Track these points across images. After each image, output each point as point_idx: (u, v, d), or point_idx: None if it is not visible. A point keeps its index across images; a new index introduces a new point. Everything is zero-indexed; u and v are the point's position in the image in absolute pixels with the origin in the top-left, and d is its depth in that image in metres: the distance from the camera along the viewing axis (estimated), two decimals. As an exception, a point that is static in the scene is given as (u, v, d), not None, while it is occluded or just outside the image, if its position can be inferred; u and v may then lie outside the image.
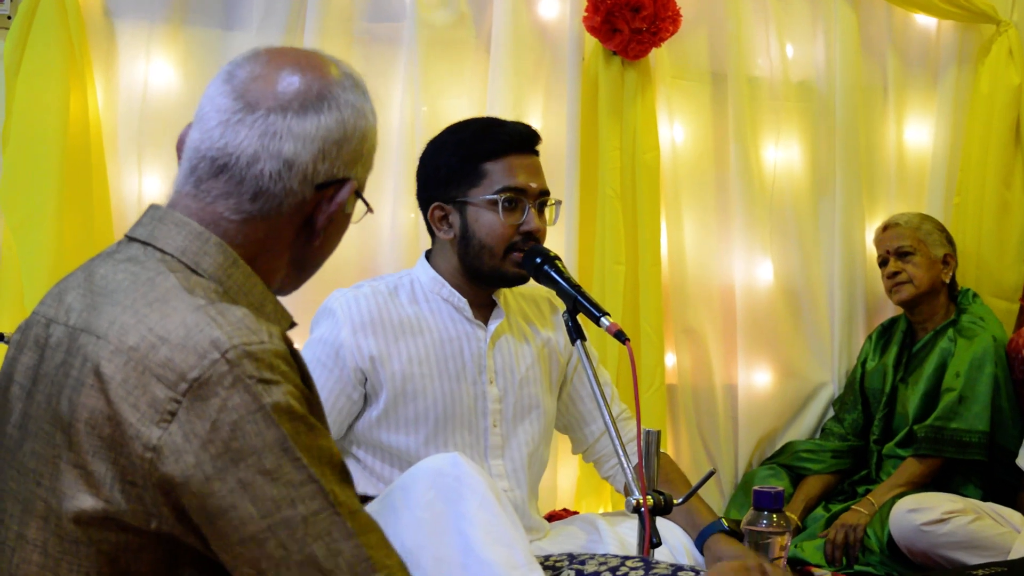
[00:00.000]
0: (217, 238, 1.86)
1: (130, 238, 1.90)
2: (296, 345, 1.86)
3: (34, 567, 1.74)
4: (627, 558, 2.59)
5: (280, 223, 1.90)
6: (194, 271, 1.82)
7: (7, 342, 1.97)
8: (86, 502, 1.69)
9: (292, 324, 1.98)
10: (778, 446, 5.06)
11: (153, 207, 1.91)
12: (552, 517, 3.85)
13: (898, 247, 4.77)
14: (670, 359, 4.89)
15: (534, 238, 3.16)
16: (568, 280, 3.04)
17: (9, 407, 1.86)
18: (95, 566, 1.71)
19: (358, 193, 1.98)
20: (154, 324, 1.71)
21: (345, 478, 1.74)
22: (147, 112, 4.28)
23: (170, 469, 1.65)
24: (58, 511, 1.71)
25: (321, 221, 1.92)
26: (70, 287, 1.86)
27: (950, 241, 4.86)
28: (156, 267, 1.81)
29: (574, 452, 3.63)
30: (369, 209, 2.04)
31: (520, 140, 3.23)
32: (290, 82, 1.88)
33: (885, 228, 4.87)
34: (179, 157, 1.94)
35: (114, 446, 1.68)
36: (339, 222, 1.98)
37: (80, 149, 4.15)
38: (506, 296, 3.37)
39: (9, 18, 4.15)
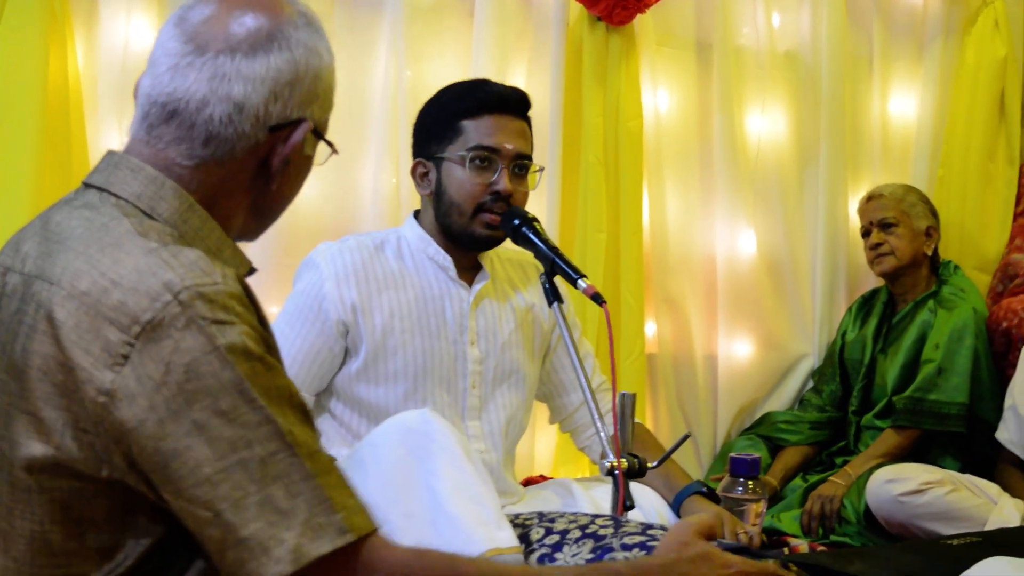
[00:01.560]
0: (173, 183, 1.85)
1: (87, 184, 1.89)
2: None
3: None
4: (597, 516, 2.62)
5: (234, 167, 1.89)
6: (149, 216, 1.82)
7: None
8: (37, 449, 1.69)
9: (252, 270, 1.98)
10: (757, 417, 5.09)
11: (110, 153, 1.91)
12: (529, 482, 3.87)
13: (881, 218, 4.79)
14: (650, 328, 4.90)
15: (504, 200, 3.18)
16: (546, 242, 3.08)
17: None
18: (48, 514, 1.72)
19: (319, 134, 1.98)
20: (106, 268, 1.70)
21: (305, 418, 1.73)
22: (127, 72, 4.22)
23: (123, 413, 1.64)
24: (10, 459, 1.72)
25: (276, 164, 1.91)
26: (27, 236, 1.86)
27: (934, 213, 4.87)
28: (111, 212, 1.80)
29: (551, 421, 3.67)
30: (333, 150, 2.03)
31: (501, 101, 3.25)
32: (240, 23, 1.86)
33: (869, 199, 4.89)
34: (135, 104, 1.93)
35: (66, 392, 1.67)
36: (297, 164, 1.96)
37: (59, 109, 4.13)
38: (493, 260, 3.40)
39: (-15, -22, 4.14)
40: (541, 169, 3.35)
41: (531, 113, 3.35)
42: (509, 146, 3.21)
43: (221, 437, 1.64)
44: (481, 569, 1.83)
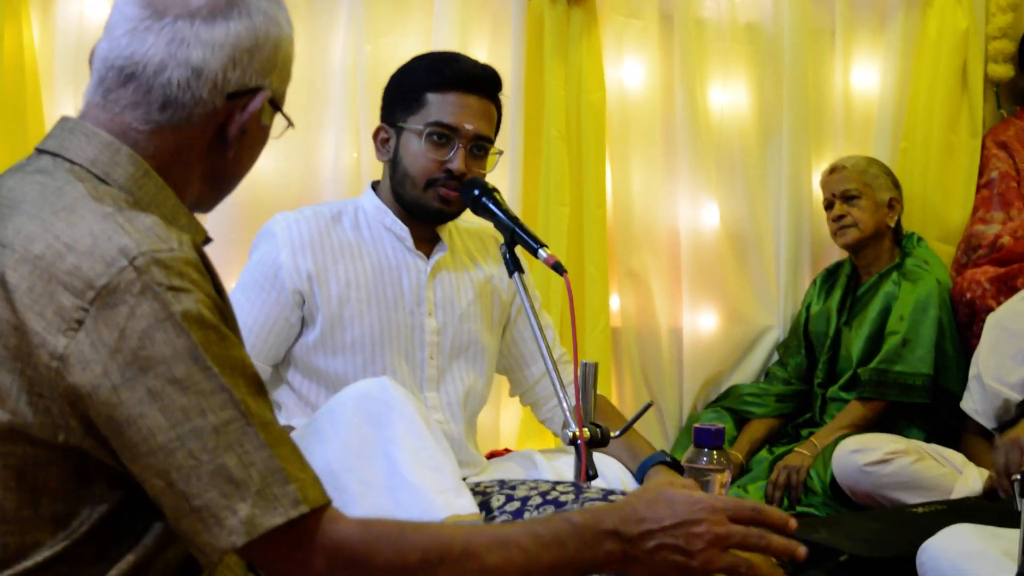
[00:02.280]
0: (128, 149, 1.84)
1: (40, 151, 1.88)
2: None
3: None
4: (558, 483, 2.62)
5: (191, 133, 1.87)
6: (104, 181, 1.81)
7: None
8: None
9: (207, 239, 1.97)
10: (723, 389, 5.09)
11: (64, 119, 1.89)
12: (493, 455, 3.88)
13: (844, 190, 4.80)
14: (615, 302, 4.91)
15: (457, 179, 3.19)
16: (506, 212, 3.08)
17: None
18: (2, 481, 1.70)
19: (276, 105, 1.97)
20: (61, 232, 1.69)
21: (259, 390, 1.73)
22: (83, 46, 4.19)
23: (77, 379, 1.64)
24: None
25: (233, 131, 1.90)
26: None
27: (896, 185, 4.89)
28: (65, 177, 1.79)
29: (511, 394, 3.69)
30: (289, 123, 2.02)
31: (469, 79, 3.25)
32: None
33: (831, 171, 4.90)
34: (91, 70, 1.92)
35: (20, 356, 1.66)
36: (254, 134, 1.95)
37: (15, 85, 4.13)
38: (451, 232, 3.41)
39: (-60, -53, 4.13)
40: (500, 152, 3.35)
41: (496, 91, 3.36)
42: (469, 126, 3.21)
43: (175, 405, 1.64)
44: (428, 533, 1.81)
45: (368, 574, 1.73)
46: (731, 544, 1.85)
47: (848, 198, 4.79)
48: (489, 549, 1.78)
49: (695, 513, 1.84)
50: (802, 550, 1.88)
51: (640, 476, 3.20)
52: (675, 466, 3.19)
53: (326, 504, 1.71)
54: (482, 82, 3.28)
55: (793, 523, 1.91)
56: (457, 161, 3.18)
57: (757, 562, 1.89)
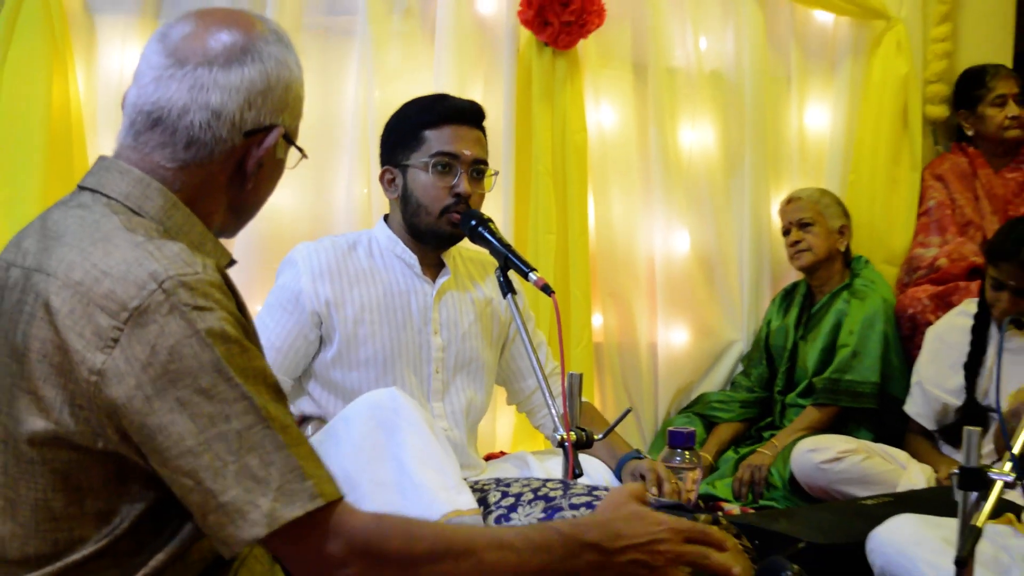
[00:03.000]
0: (158, 183, 1.84)
1: (81, 187, 1.89)
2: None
3: None
4: (548, 480, 2.62)
5: (213, 169, 1.88)
6: (137, 213, 1.82)
7: None
8: (38, 424, 1.70)
9: (232, 261, 1.97)
10: (693, 397, 5.08)
11: (101, 158, 1.90)
12: (490, 457, 3.88)
13: (799, 219, 4.81)
14: (597, 320, 4.89)
15: (464, 200, 3.20)
16: (500, 240, 3.10)
17: None
18: (50, 483, 1.72)
19: (289, 140, 1.97)
20: (98, 260, 1.70)
21: (278, 396, 1.73)
22: (121, 98, 4.24)
23: (113, 391, 1.65)
24: (15, 434, 1.72)
25: (251, 165, 1.91)
26: (27, 234, 1.86)
27: (846, 214, 4.90)
28: (102, 211, 1.80)
29: (508, 403, 3.69)
30: (303, 154, 2.02)
31: (459, 113, 3.28)
32: (217, 39, 1.86)
33: (788, 201, 4.91)
34: (123, 114, 1.92)
35: (63, 372, 1.68)
36: (270, 167, 1.96)
37: (63, 133, 4.14)
38: (455, 258, 3.42)
39: (-5, 13, 4.13)
40: (496, 173, 3.37)
41: (487, 126, 3.38)
42: (467, 152, 3.23)
43: (202, 412, 1.65)
44: (434, 529, 1.83)
45: (380, 561, 1.71)
46: (684, 561, 1.92)
47: (803, 225, 4.81)
48: (487, 549, 1.78)
49: (660, 533, 1.89)
50: (736, 570, 1.95)
51: (617, 471, 3.21)
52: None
53: (340, 498, 1.71)
54: (470, 114, 3.31)
55: (727, 544, 1.97)
56: (463, 184, 3.20)
57: None
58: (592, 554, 1.85)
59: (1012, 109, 5.15)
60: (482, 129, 3.34)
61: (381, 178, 3.35)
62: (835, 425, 4.65)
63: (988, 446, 3.80)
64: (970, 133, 5.23)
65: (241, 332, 1.73)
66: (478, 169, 3.27)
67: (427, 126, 3.25)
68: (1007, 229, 4.28)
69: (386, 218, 3.40)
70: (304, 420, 2.89)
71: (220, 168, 1.89)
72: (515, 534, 1.84)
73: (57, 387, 1.69)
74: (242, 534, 1.64)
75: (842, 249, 4.87)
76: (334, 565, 1.69)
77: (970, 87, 5.24)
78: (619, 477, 3.17)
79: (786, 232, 4.89)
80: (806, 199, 4.86)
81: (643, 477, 3.12)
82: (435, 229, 3.24)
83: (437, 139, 3.23)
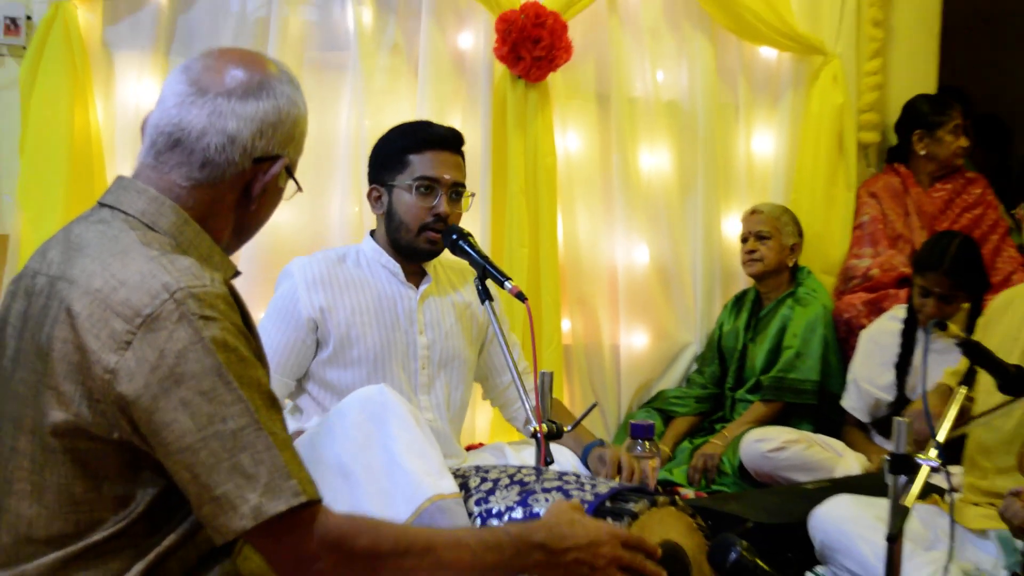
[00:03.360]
0: (171, 202, 1.85)
1: (101, 204, 1.90)
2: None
3: (24, 472, 1.76)
4: (523, 467, 2.62)
5: (223, 189, 1.89)
6: (152, 228, 1.82)
7: None
8: (59, 416, 1.70)
9: (236, 273, 1.97)
10: (652, 393, 5.09)
11: (119, 178, 1.92)
12: (469, 448, 3.87)
13: (758, 231, 4.82)
14: (566, 324, 4.88)
15: (443, 220, 3.21)
16: (478, 252, 3.10)
17: (5, 344, 1.87)
18: (71, 470, 1.73)
19: (290, 172, 1.97)
20: (116, 271, 1.72)
21: (271, 404, 1.73)
22: (136, 125, 4.20)
23: (124, 388, 1.66)
24: (41, 426, 1.73)
25: (257, 189, 1.92)
26: (52, 245, 1.87)
27: (800, 233, 4.92)
28: (120, 226, 1.81)
29: (484, 398, 3.68)
30: (299, 188, 2.02)
31: (440, 140, 3.28)
32: (235, 74, 1.88)
33: (752, 212, 4.92)
34: (143, 136, 1.93)
35: (81, 370, 1.69)
36: (272, 193, 1.96)
37: (84, 157, 4.14)
38: (435, 266, 3.42)
39: (24, 48, 4.13)
40: (473, 194, 3.38)
41: (466, 151, 3.38)
42: (447, 176, 3.24)
43: (202, 412, 1.66)
44: (397, 530, 1.84)
45: (349, 557, 1.73)
46: (620, 564, 1.99)
47: (760, 237, 4.82)
48: (445, 547, 1.81)
49: (601, 537, 1.98)
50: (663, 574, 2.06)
51: (584, 458, 3.21)
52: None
53: (319, 500, 1.72)
54: (450, 141, 3.31)
55: (659, 552, 2.08)
56: (442, 206, 3.21)
57: None
58: (540, 553, 1.91)
59: (963, 140, 5.20)
60: (461, 154, 3.34)
61: (369, 195, 3.35)
62: (779, 418, 4.65)
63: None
64: (924, 153, 5.23)
65: (243, 342, 1.74)
66: (456, 191, 3.28)
67: (411, 151, 3.25)
68: (932, 242, 4.31)
69: (372, 233, 3.40)
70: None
71: (229, 189, 1.90)
72: (470, 535, 1.89)
73: (76, 383, 1.70)
74: (232, 525, 1.66)
75: (791, 264, 4.88)
76: (308, 560, 1.71)
77: (933, 112, 5.23)
78: (585, 463, 3.17)
79: (744, 240, 4.89)
80: (767, 213, 4.87)
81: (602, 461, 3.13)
82: (413, 245, 3.25)
83: (420, 163, 3.23)
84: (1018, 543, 2.97)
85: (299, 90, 1.97)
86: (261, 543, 1.71)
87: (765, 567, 2.09)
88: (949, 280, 4.15)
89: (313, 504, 1.70)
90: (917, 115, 5.26)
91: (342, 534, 1.73)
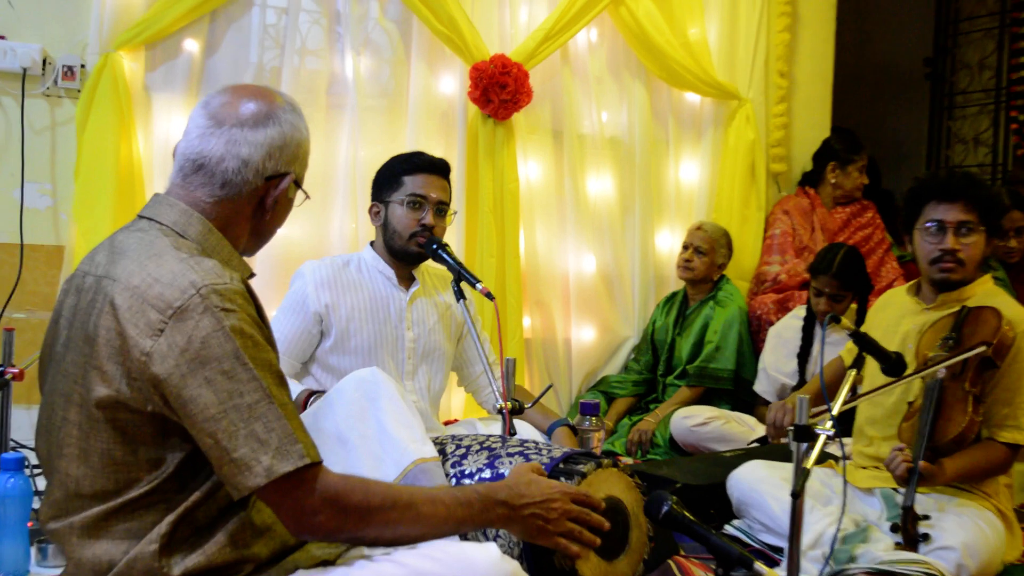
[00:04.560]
0: (198, 214, 1.86)
1: (140, 216, 1.91)
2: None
3: (73, 439, 1.76)
4: (490, 436, 2.61)
5: (241, 203, 1.90)
6: (182, 236, 1.83)
7: None
8: (103, 392, 1.71)
9: (253, 274, 1.98)
10: (598, 379, 5.08)
11: (155, 195, 1.92)
12: (446, 423, 3.86)
13: (698, 245, 4.81)
14: (527, 321, 4.88)
15: (429, 230, 3.23)
16: (455, 259, 3.16)
17: (58, 332, 1.87)
18: (112, 436, 1.73)
19: (298, 184, 1.98)
20: (151, 270, 1.72)
21: (280, 382, 1.74)
22: (169, 153, 4.23)
23: (157, 368, 1.67)
24: (87, 400, 1.73)
25: (269, 202, 1.93)
26: (99, 250, 1.88)
27: (730, 254, 4.93)
28: (155, 234, 1.82)
29: (459, 385, 3.68)
30: (306, 196, 2.03)
31: (429, 165, 3.32)
32: (247, 107, 1.89)
33: (697, 227, 4.89)
34: (174, 161, 1.94)
35: (121, 353, 1.69)
36: (283, 204, 1.96)
37: (127, 181, 4.15)
38: (423, 273, 3.43)
39: (79, 91, 4.17)
40: (455, 212, 3.40)
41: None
42: (433, 195, 3.26)
43: (222, 389, 1.67)
44: (384, 487, 1.84)
45: (343, 510, 1.74)
46: (570, 516, 2.03)
47: (699, 251, 4.81)
48: (423, 503, 1.83)
49: (553, 494, 2.01)
50: (606, 524, 2.09)
51: (549, 433, 3.21)
52: (571, 427, 3.20)
53: (320, 462, 1.73)
54: (438, 167, 3.33)
55: (602, 505, 2.12)
56: (428, 218, 3.24)
57: (582, 530, 2.05)
58: (502, 508, 1.94)
59: (865, 178, 5.25)
60: (447, 180, 3.36)
61: (369, 210, 3.36)
62: (702, 399, 4.67)
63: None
64: (833, 181, 5.24)
65: (257, 330, 1.75)
66: (441, 208, 3.29)
67: (405, 173, 3.28)
68: (824, 252, 4.38)
69: (372, 243, 3.40)
70: (313, 394, 2.87)
71: (246, 203, 1.91)
72: (445, 493, 1.90)
73: (117, 364, 1.70)
74: (248, 482, 1.67)
75: (715, 278, 4.88)
76: (310, 512, 1.71)
77: (847, 150, 5.25)
78: (549, 438, 3.18)
79: (685, 248, 4.88)
80: (710, 232, 4.85)
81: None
82: (405, 249, 3.26)
83: (412, 183, 3.26)
84: (898, 498, 2.97)
85: (301, 117, 1.97)
86: (272, 498, 1.71)
87: (691, 517, 2.09)
88: (837, 281, 4.21)
89: (315, 465, 1.71)
90: (834, 151, 5.28)
91: (338, 491, 1.73)
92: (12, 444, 3.26)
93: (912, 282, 3.40)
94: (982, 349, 2.96)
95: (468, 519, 1.89)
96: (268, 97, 1.92)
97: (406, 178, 3.26)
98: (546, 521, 1.98)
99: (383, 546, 1.84)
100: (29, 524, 2.69)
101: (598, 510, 2.08)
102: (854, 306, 4.30)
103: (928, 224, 3.18)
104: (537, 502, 1.97)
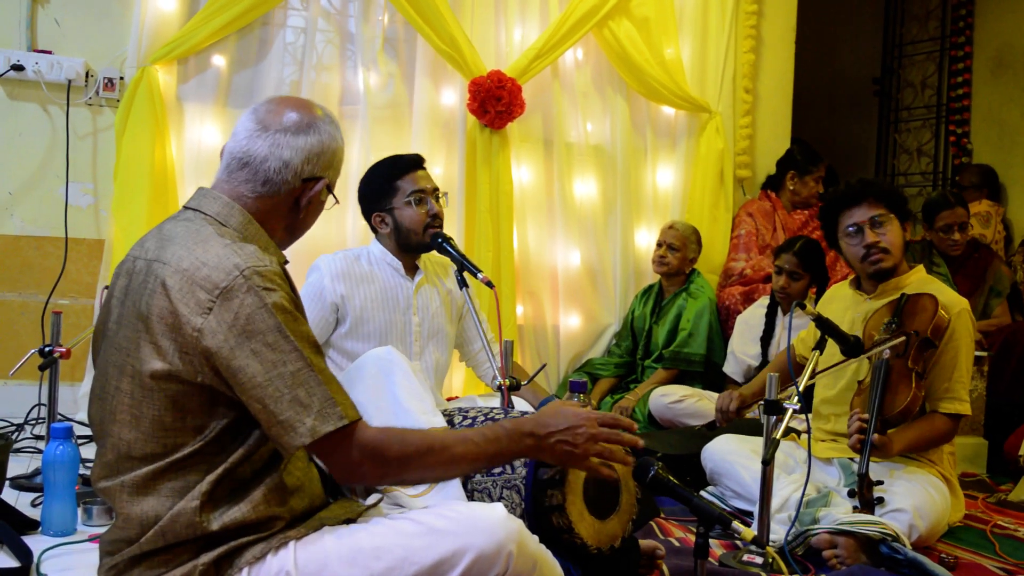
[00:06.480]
0: (239, 207, 1.87)
1: (186, 207, 1.91)
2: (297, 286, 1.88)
3: (125, 406, 1.75)
4: (493, 408, 2.62)
5: (279, 201, 1.90)
6: (224, 225, 1.84)
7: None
8: (157, 365, 1.71)
9: (286, 261, 1.97)
10: (584, 361, 5.08)
11: (200, 188, 1.92)
12: (449, 399, 3.87)
13: (670, 242, 4.80)
14: (520, 309, 4.89)
15: (439, 217, 3.23)
16: (458, 251, 3.16)
17: (111, 311, 1.86)
18: (163, 404, 1.73)
19: (329, 189, 1.98)
20: (199, 255, 1.73)
21: (317, 351, 1.74)
22: (202, 159, 4.27)
23: (208, 343, 1.67)
24: (140, 371, 1.73)
25: (304, 202, 1.93)
26: (148, 237, 1.88)
27: (699, 250, 4.91)
28: (201, 223, 1.82)
29: (460, 360, 3.68)
30: (336, 200, 2.04)
31: (413, 163, 3.30)
32: (291, 115, 1.90)
33: (670, 227, 4.87)
34: (221, 159, 1.95)
35: (174, 329, 1.69)
36: (315, 205, 1.97)
37: (161, 182, 4.14)
38: (425, 262, 3.41)
39: (118, 101, 4.19)
40: (446, 193, 3.38)
41: (445, 183, 3.44)
42: (429, 186, 3.27)
43: (267, 359, 1.67)
44: (419, 434, 1.82)
45: (384, 461, 1.73)
46: (600, 439, 1.91)
47: (671, 248, 4.80)
48: (456, 444, 1.80)
49: (578, 420, 1.90)
50: (640, 441, 1.95)
51: (538, 407, 3.21)
52: None
53: (359, 418, 1.73)
54: (420, 161, 3.32)
55: (635, 425, 1.96)
56: (435, 207, 3.23)
57: (614, 449, 1.92)
58: (530, 439, 1.87)
59: (820, 187, 5.23)
60: (425, 168, 3.33)
61: (372, 221, 3.31)
62: (677, 380, 4.66)
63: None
64: (791, 188, 5.22)
65: (294, 306, 1.75)
66: (436, 195, 3.29)
67: (396, 178, 3.25)
68: (788, 239, 4.45)
69: (377, 237, 3.37)
70: None
71: (283, 201, 1.91)
72: (474, 432, 1.85)
73: (170, 339, 1.70)
74: (294, 442, 1.67)
75: (687, 271, 4.88)
76: (353, 465, 1.72)
77: (806, 162, 5.23)
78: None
79: (659, 245, 4.88)
80: (680, 230, 4.84)
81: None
82: (423, 242, 3.25)
83: (408, 183, 3.24)
84: (854, 466, 2.99)
85: (338, 128, 1.98)
86: (319, 455, 1.72)
87: (675, 480, 2.09)
88: (796, 259, 4.26)
89: (354, 424, 1.71)
90: (795, 161, 5.26)
91: (377, 443, 1.72)
92: (59, 416, 3.26)
93: (852, 276, 3.43)
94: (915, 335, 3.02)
95: (498, 453, 1.84)
96: (310, 109, 1.93)
97: (399, 181, 3.24)
98: (573, 446, 1.87)
99: (428, 482, 1.91)
100: (76, 487, 2.69)
101: (630, 430, 1.95)
102: (812, 295, 4.32)
103: (849, 228, 3.24)
104: (562, 429, 1.87)
